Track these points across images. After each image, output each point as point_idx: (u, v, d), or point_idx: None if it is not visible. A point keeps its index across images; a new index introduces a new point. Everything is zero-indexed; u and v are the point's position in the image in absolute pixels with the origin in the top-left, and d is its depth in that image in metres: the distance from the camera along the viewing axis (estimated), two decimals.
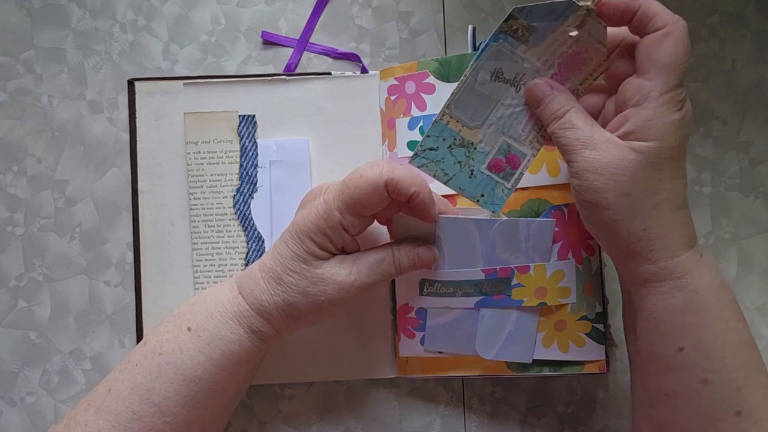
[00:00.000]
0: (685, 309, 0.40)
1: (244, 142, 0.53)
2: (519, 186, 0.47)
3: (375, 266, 0.45)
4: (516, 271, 0.49)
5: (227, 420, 0.51)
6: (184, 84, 0.54)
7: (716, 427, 0.40)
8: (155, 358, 0.44)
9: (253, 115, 0.54)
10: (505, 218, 0.49)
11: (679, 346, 0.40)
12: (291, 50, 0.56)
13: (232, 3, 0.56)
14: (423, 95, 0.52)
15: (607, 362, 0.50)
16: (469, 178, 0.46)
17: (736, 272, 0.55)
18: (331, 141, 0.54)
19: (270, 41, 0.56)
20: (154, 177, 0.54)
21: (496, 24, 0.57)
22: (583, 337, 0.49)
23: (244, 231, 0.53)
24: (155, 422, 0.43)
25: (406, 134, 0.52)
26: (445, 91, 0.51)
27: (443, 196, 0.50)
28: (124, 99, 0.55)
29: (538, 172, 0.50)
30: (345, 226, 0.44)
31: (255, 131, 0.54)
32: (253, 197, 0.53)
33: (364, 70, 0.55)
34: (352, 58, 0.55)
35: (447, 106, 0.45)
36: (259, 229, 0.53)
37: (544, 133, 0.45)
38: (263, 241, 0.53)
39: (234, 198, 0.53)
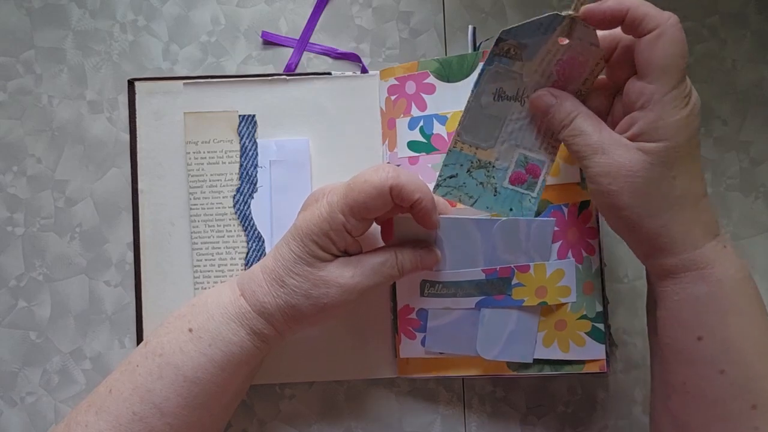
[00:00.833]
0: (708, 299, 0.40)
1: (244, 142, 0.53)
2: None
3: (377, 268, 0.45)
4: (516, 271, 0.49)
5: (227, 420, 0.51)
6: (184, 84, 0.54)
7: (730, 420, 0.40)
8: (156, 359, 0.44)
9: (253, 115, 0.54)
10: (505, 218, 0.49)
11: (699, 336, 0.40)
12: (291, 50, 0.56)
13: (232, 3, 0.56)
14: (423, 95, 0.52)
15: (608, 362, 0.50)
16: (494, 196, 0.47)
17: None
18: (332, 141, 0.54)
19: (270, 41, 0.56)
20: (154, 177, 0.54)
21: (497, 24, 0.57)
22: (584, 336, 0.49)
23: (244, 231, 0.53)
24: (156, 423, 0.43)
25: (406, 134, 0.52)
26: (445, 91, 0.51)
27: None
28: (124, 99, 0.55)
29: None
30: (348, 229, 0.44)
31: (255, 131, 0.54)
32: (253, 197, 0.53)
33: (364, 70, 0.55)
34: (352, 58, 0.55)
35: (457, 133, 0.45)
36: (259, 229, 0.53)
37: (555, 136, 0.46)
38: (263, 241, 0.53)
39: (234, 198, 0.53)
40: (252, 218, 0.53)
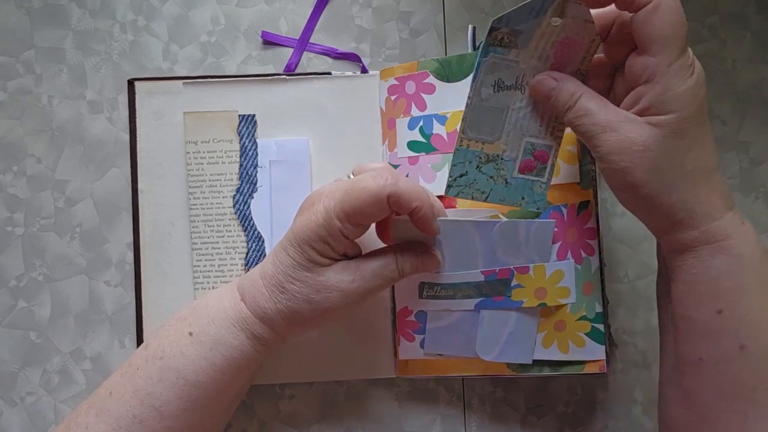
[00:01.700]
0: (728, 271, 0.40)
1: (244, 142, 0.53)
2: None
3: (378, 272, 0.45)
4: (515, 272, 0.49)
5: (228, 420, 0.51)
6: (184, 84, 0.54)
7: (748, 397, 0.39)
8: (156, 362, 0.44)
9: (253, 115, 0.54)
10: (505, 220, 0.49)
11: (718, 309, 0.40)
12: (291, 50, 0.56)
13: (232, 3, 0.56)
14: (423, 95, 0.52)
15: (608, 362, 0.50)
16: (505, 187, 0.47)
17: None
18: (332, 141, 0.54)
19: (270, 41, 0.56)
20: (154, 177, 0.54)
21: None
22: (583, 337, 0.49)
23: (244, 231, 0.53)
24: (156, 426, 0.43)
25: (406, 134, 0.52)
26: (445, 91, 0.51)
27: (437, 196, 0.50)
28: (124, 99, 0.55)
29: None
30: (345, 234, 0.43)
31: (255, 131, 0.54)
32: (253, 197, 0.53)
33: (364, 70, 0.55)
34: (352, 58, 0.55)
35: (462, 131, 0.45)
36: (259, 229, 0.53)
37: (559, 119, 0.45)
38: (263, 241, 0.53)
39: (234, 198, 0.53)
40: (252, 218, 0.53)
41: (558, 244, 0.49)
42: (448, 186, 0.46)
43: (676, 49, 0.39)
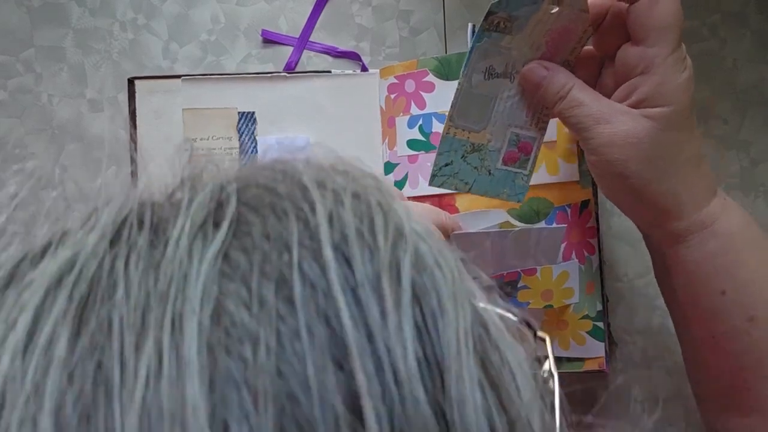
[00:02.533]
0: (721, 251, 0.40)
1: (244, 140, 0.53)
2: None
3: None
4: (522, 274, 0.49)
5: None
6: (183, 80, 0.54)
7: (766, 363, 0.40)
8: None
9: (253, 112, 0.54)
10: (519, 228, 0.48)
11: (721, 290, 0.40)
12: (291, 49, 0.56)
13: (232, 1, 0.56)
14: (423, 94, 0.52)
15: (607, 361, 0.50)
16: (489, 178, 0.46)
17: None
18: (331, 139, 0.54)
19: (270, 40, 0.56)
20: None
21: None
22: (584, 335, 0.49)
23: None
24: None
25: (405, 133, 0.52)
26: (444, 89, 0.51)
27: (433, 195, 0.49)
28: (124, 98, 0.55)
29: (537, 171, 0.50)
30: None
31: (254, 128, 0.53)
32: None
33: (364, 69, 0.55)
34: (352, 56, 0.55)
35: (450, 118, 0.44)
36: None
37: (546, 110, 0.45)
38: None
39: None
40: None
41: (563, 246, 0.49)
42: (433, 175, 0.45)
43: (674, 41, 0.39)
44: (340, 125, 0.54)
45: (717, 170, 0.55)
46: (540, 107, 0.45)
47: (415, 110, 0.52)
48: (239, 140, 0.53)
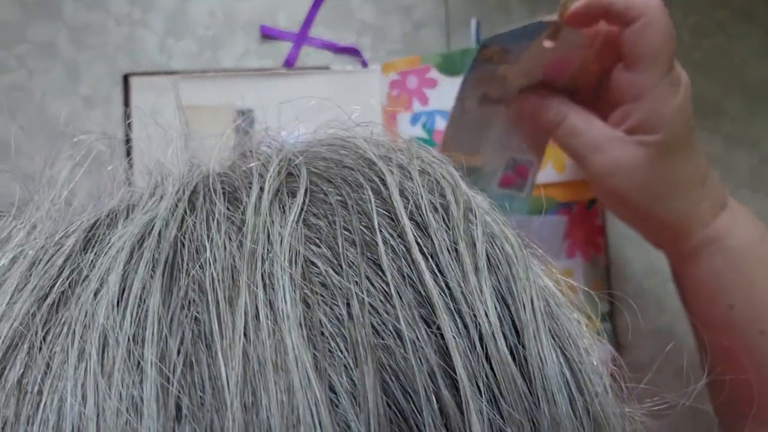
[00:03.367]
0: (729, 268, 0.40)
1: (241, 138, 0.52)
2: None
3: None
4: None
5: None
6: (180, 77, 0.53)
7: None
8: None
9: (251, 109, 0.53)
10: (518, 216, 0.48)
11: (729, 304, 0.40)
12: (290, 44, 0.54)
13: None
14: (425, 90, 0.51)
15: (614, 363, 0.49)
16: None
17: None
18: None
19: (268, 35, 0.55)
20: (150, 173, 0.53)
21: (501, 17, 0.56)
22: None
23: None
24: None
25: (408, 130, 0.51)
26: (448, 85, 0.50)
27: None
28: (118, 94, 0.54)
29: (543, 169, 0.49)
30: None
31: (252, 126, 0.53)
32: None
33: (364, 65, 0.54)
34: (352, 52, 0.54)
35: (444, 142, 0.44)
36: None
37: (543, 135, 0.44)
38: None
39: None
40: None
41: (567, 242, 0.49)
42: None
43: (664, 66, 0.38)
44: (339, 122, 0.53)
45: (725, 168, 0.54)
46: (536, 132, 0.44)
47: (417, 107, 0.51)
48: (237, 138, 0.52)
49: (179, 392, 0.17)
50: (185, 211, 0.21)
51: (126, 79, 0.53)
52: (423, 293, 0.19)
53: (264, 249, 0.19)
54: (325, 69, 0.53)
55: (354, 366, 0.18)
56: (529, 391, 0.19)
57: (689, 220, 0.40)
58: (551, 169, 0.49)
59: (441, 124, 0.50)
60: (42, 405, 0.17)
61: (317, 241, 0.20)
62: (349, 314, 0.18)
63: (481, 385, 0.18)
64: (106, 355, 0.18)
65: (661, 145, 0.39)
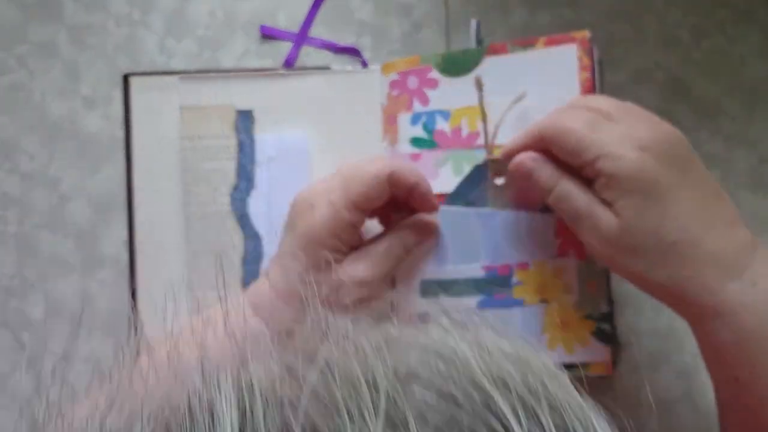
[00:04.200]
0: (737, 346, 0.38)
1: (242, 138, 0.52)
2: None
3: (386, 254, 0.45)
4: (515, 269, 0.48)
5: None
6: (180, 78, 0.53)
7: None
8: None
9: (251, 110, 0.53)
10: (508, 210, 0.48)
11: (735, 376, 0.39)
12: (290, 44, 0.55)
13: None
14: (426, 90, 0.51)
15: (614, 363, 0.49)
16: None
17: None
18: (331, 137, 0.53)
19: (268, 35, 0.55)
20: (150, 174, 0.53)
21: (500, 18, 0.56)
22: (588, 336, 0.48)
23: (242, 229, 0.52)
24: None
25: (408, 130, 0.51)
26: (448, 86, 0.50)
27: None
28: (118, 94, 0.54)
29: None
30: (354, 223, 0.44)
31: (253, 126, 0.53)
32: (250, 194, 0.52)
33: (364, 65, 0.54)
34: (352, 52, 0.55)
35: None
36: (256, 227, 0.52)
37: (536, 199, 0.47)
38: (261, 240, 0.52)
39: (231, 195, 0.52)
40: (249, 216, 0.52)
41: (560, 240, 0.49)
42: None
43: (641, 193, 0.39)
44: (339, 122, 0.53)
45: (725, 168, 0.54)
46: (529, 196, 0.47)
47: (418, 107, 0.51)
48: (237, 138, 0.52)
49: None
50: None
51: (126, 79, 0.54)
52: None
53: None
54: (325, 69, 0.53)
55: None
56: None
57: (685, 285, 0.38)
58: None
59: (442, 123, 0.50)
60: None
61: None
62: None
63: None
64: None
65: (629, 209, 0.38)
